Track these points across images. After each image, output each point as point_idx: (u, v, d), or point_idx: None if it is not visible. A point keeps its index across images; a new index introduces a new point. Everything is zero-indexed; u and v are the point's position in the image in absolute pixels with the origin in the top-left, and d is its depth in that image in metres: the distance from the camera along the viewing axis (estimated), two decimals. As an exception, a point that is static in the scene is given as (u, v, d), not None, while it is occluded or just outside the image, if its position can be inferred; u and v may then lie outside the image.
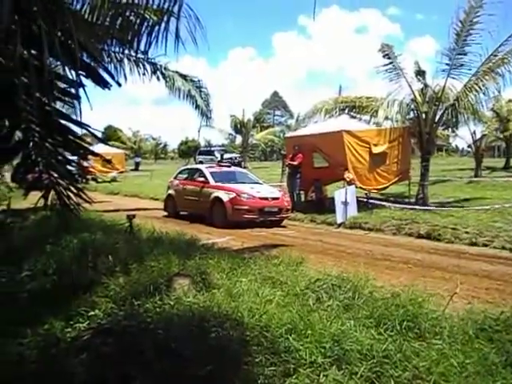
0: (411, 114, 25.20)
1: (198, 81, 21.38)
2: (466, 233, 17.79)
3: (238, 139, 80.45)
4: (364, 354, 6.29)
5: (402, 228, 19.76)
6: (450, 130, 37.21)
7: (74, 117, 9.43)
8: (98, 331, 7.21)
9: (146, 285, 8.68)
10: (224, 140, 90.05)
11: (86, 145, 9.66)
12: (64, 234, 12.56)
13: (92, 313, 7.81)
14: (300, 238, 18.86)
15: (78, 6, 9.06)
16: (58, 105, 9.51)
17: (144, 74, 15.15)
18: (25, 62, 7.10)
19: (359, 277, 9.43)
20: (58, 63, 8.19)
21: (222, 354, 6.26)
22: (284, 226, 22.10)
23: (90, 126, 8.96)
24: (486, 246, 16.56)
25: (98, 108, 8.35)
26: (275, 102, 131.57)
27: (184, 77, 20.30)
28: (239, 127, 74.62)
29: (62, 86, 8.60)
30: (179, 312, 7.69)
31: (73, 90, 8.25)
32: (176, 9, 7.98)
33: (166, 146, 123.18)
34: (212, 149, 72.62)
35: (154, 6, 8.74)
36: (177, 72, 19.63)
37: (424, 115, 24.54)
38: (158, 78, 17.23)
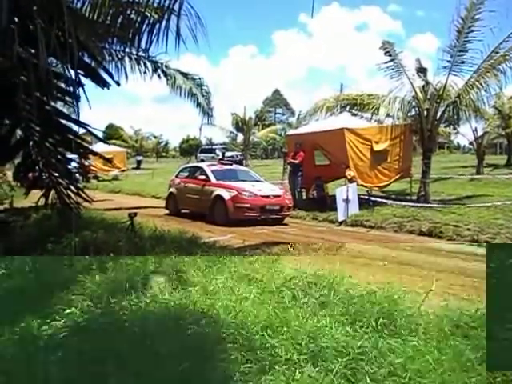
0: (413, 112, 25.26)
1: (199, 79, 21.44)
2: (468, 230, 17.80)
3: (240, 137, 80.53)
4: (339, 351, 6.32)
5: (404, 225, 19.72)
6: (451, 127, 37.03)
7: (73, 116, 9.52)
8: (75, 329, 7.23)
9: (123, 283, 8.71)
10: (225, 138, 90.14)
11: (86, 144, 9.74)
12: (65, 232, 12.59)
13: (68, 311, 7.83)
14: (302, 235, 18.83)
15: (79, 5, 9.11)
16: (58, 104, 9.58)
17: (145, 73, 15.24)
18: (24, 62, 7.16)
19: (334, 274, 9.46)
20: (58, 62, 8.26)
21: (198, 352, 6.28)
22: (286, 224, 22.13)
23: (89, 125, 9.05)
24: (487, 242, 16.44)
25: (99, 107, 8.41)
26: (276, 100, 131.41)
27: (185, 75, 20.33)
28: (240, 125, 74.55)
29: (62, 85, 8.67)
30: (155, 310, 7.72)
31: (72, 90, 8.32)
32: (177, 7, 8.02)
33: (167, 144, 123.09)
34: (213, 147, 72.81)
35: (155, 4, 8.78)
36: (178, 70, 19.65)
37: (425, 112, 24.56)
38: (159, 77, 17.28)
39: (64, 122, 9.58)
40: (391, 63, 24.52)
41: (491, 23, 22.20)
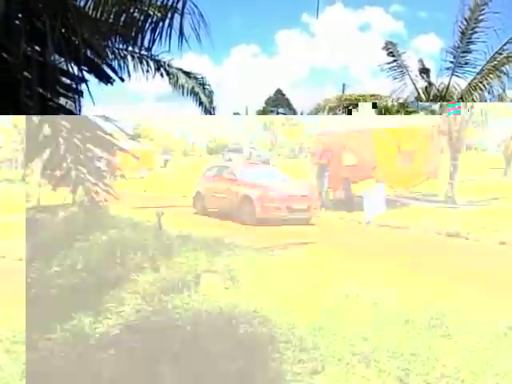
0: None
1: (202, 78, 21.41)
2: (496, 232, 17.62)
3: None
4: (392, 352, 6.29)
5: (431, 226, 19.58)
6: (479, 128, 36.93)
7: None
8: (127, 327, 7.26)
9: (175, 281, 8.73)
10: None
11: (115, 141, 9.74)
12: (93, 230, 12.63)
13: (120, 309, 7.87)
14: (328, 235, 18.74)
15: (82, 3, 9.13)
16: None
17: (148, 71, 15.24)
18: (28, 58, 7.18)
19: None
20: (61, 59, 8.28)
21: (251, 351, 6.29)
22: (312, 224, 21.99)
23: (117, 121, 9.03)
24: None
25: (104, 106, 8.45)
26: (279, 100, 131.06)
27: (187, 74, 20.31)
28: (243, 124, 74.63)
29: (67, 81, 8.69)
30: (207, 308, 7.74)
31: (77, 85, 8.34)
32: (180, 5, 8.03)
33: (193, 143, 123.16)
34: (240, 147, 72.82)
35: (158, 3, 8.80)
36: (180, 69, 19.64)
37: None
38: (161, 75, 17.27)
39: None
40: (394, 64, 24.59)
41: (495, 24, 22.19)
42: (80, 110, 7.95)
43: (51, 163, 10.29)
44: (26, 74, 7.59)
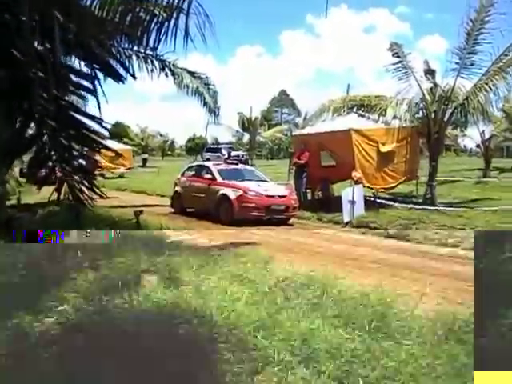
0: (420, 114, 25.21)
1: (206, 78, 21.44)
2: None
3: (246, 137, 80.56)
4: (332, 353, 6.34)
5: (409, 228, 19.54)
6: (458, 129, 37.05)
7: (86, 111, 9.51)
8: (67, 326, 7.22)
9: (115, 281, 8.70)
10: (231, 137, 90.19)
11: (99, 139, 9.72)
12: (71, 229, 12.59)
13: (61, 308, 7.82)
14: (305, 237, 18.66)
15: (88, 2, 9.10)
16: (71, 99, 9.57)
17: (152, 71, 15.24)
18: (40, 56, 7.14)
19: (327, 276, 9.43)
20: (72, 57, 8.26)
21: (191, 351, 6.27)
22: (291, 225, 22.06)
23: (102, 120, 9.01)
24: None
25: (105, 104, 8.43)
26: (283, 100, 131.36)
27: (192, 74, 20.33)
28: (246, 125, 74.57)
29: (76, 79, 8.67)
30: (147, 308, 7.71)
31: (86, 84, 8.32)
32: (185, 5, 7.99)
33: (173, 142, 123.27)
34: (219, 146, 72.80)
35: (164, 3, 8.76)
36: (185, 69, 19.66)
37: (433, 114, 24.49)
38: (166, 75, 17.31)
39: (78, 116, 9.58)
40: (399, 65, 24.61)
41: (501, 25, 22.24)
42: (100, 108, 7.93)
43: (36, 161, 10.28)
44: (39, 72, 7.58)
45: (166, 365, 6.02)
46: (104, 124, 9.17)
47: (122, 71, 9.86)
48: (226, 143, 79.81)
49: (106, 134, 11.40)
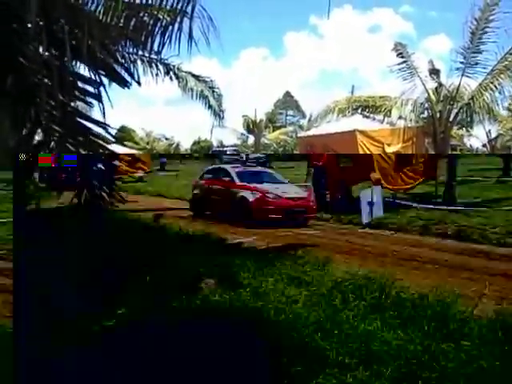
0: (425, 114, 25.19)
1: (211, 81, 21.41)
2: (495, 233, 17.57)
3: (251, 139, 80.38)
4: (391, 355, 6.27)
5: (429, 228, 19.55)
6: (464, 129, 36.87)
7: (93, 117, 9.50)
8: (126, 328, 7.24)
9: (173, 283, 8.71)
10: (236, 140, 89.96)
11: (105, 144, 9.71)
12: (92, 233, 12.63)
13: (119, 311, 7.85)
14: (326, 237, 18.75)
15: (93, 7, 9.10)
16: (76, 105, 9.56)
17: (157, 75, 15.21)
18: (46, 63, 7.14)
19: (385, 277, 9.39)
20: (78, 63, 8.25)
21: (249, 353, 6.26)
22: (309, 226, 21.92)
23: (109, 126, 9.01)
24: (515, 246, 16.30)
25: (110, 108, 8.40)
26: (287, 102, 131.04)
27: (197, 77, 20.31)
28: (251, 127, 74.43)
29: (82, 85, 8.67)
30: (206, 310, 7.71)
31: (95, 90, 8.31)
32: (189, 9, 8.00)
33: (178, 146, 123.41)
34: (224, 149, 72.63)
35: (168, 7, 8.77)
36: (190, 72, 19.64)
37: (438, 114, 24.50)
38: (170, 79, 17.26)
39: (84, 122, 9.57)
40: (404, 65, 24.63)
41: (505, 24, 22.17)
42: (105, 113, 7.93)
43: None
44: (45, 79, 7.58)
45: (225, 367, 6.00)
46: (109, 129, 9.18)
47: (126, 76, 9.87)
48: (231, 146, 79.66)
49: (112, 139, 11.42)
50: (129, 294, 8.70)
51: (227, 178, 23.74)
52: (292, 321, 7.18)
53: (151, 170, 53.45)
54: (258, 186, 22.58)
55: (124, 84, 9.50)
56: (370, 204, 21.29)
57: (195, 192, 25.83)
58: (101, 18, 9.07)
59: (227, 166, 26.38)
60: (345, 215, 23.10)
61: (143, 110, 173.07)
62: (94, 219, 12.83)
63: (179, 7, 8.37)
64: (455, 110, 24.38)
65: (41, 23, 7.55)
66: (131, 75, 10.24)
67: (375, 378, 5.84)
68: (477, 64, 23.57)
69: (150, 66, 14.52)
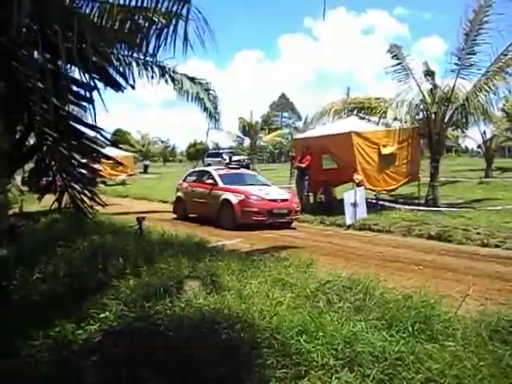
0: (420, 115, 25.25)
1: (206, 83, 21.37)
2: (478, 234, 17.64)
3: (247, 141, 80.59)
4: (376, 356, 6.25)
5: (412, 229, 19.62)
6: (459, 130, 37.06)
7: (85, 120, 9.46)
8: (109, 333, 7.20)
9: (157, 287, 8.68)
10: (232, 142, 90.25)
11: (99, 148, 9.69)
12: (74, 236, 12.58)
13: (103, 315, 7.81)
14: (309, 239, 18.80)
15: (88, 10, 9.07)
16: (70, 108, 9.52)
17: (152, 78, 15.15)
18: (41, 67, 7.11)
19: (370, 278, 9.40)
20: (72, 67, 8.21)
21: (233, 356, 6.23)
22: (293, 228, 22.06)
23: (102, 129, 8.98)
24: (497, 247, 16.39)
25: (105, 111, 8.35)
26: (283, 104, 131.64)
27: (192, 79, 20.28)
28: (247, 129, 74.58)
29: (75, 89, 8.64)
30: (190, 314, 7.69)
31: (85, 93, 8.27)
32: (184, 11, 7.97)
33: (174, 148, 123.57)
34: (220, 151, 72.65)
35: (163, 9, 8.73)
36: (185, 75, 19.61)
37: (433, 116, 24.59)
38: (166, 81, 17.20)
39: (78, 126, 9.51)
40: (399, 66, 24.64)
41: (499, 26, 22.21)
42: (95, 117, 7.88)
43: (37, 171, 10.25)
44: (38, 83, 7.53)
45: (208, 370, 5.97)
46: (104, 133, 9.15)
47: (121, 80, 9.83)
48: (227, 148, 79.77)
49: (107, 142, 11.38)
50: (111, 298, 8.68)
51: (210, 181, 23.73)
52: (276, 323, 7.17)
53: (134, 172, 53.53)
54: (241, 188, 22.59)
55: (118, 87, 9.46)
56: (354, 205, 21.37)
57: (178, 194, 25.86)
58: (95, 20, 9.03)
59: (210, 169, 26.43)
60: (328, 217, 23.09)
61: (139, 112, 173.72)
62: (74, 222, 12.84)
63: (174, 9, 8.34)
64: (450, 111, 24.55)
65: (34, 27, 7.53)
66: (125, 79, 10.20)
67: (360, 379, 5.81)
68: (471, 65, 23.71)
69: (146, 69, 14.48)
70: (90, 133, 9.18)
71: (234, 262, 10.62)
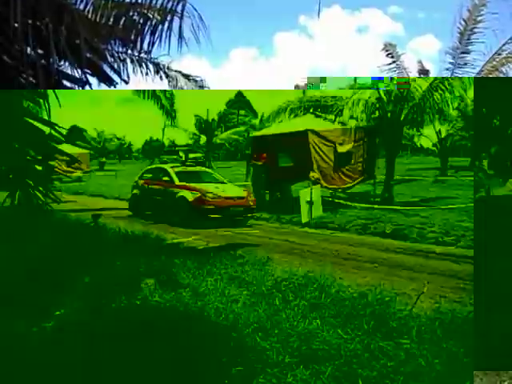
0: (376, 114, 25.26)
1: (201, 80, 21.31)
2: (433, 232, 17.79)
3: (203, 139, 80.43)
4: (331, 354, 6.30)
5: (368, 227, 19.72)
6: (414, 129, 37.42)
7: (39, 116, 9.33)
8: (66, 329, 7.15)
9: (113, 284, 8.63)
10: (188, 140, 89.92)
11: (54, 144, 9.57)
12: (30, 233, 12.45)
13: (58, 312, 7.73)
14: (266, 237, 18.79)
15: (82, 6, 9.00)
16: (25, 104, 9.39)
17: (147, 74, 15.07)
18: (32, 61, 7.02)
19: (325, 276, 9.43)
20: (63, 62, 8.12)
21: (189, 354, 6.21)
22: (249, 226, 22.03)
23: (56, 125, 8.87)
24: (452, 245, 16.48)
25: (58, 108, 8.26)
26: (239, 102, 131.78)
27: (187, 76, 20.20)
28: (203, 127, 74.36)
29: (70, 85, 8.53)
30: (146, 311, 7.65)
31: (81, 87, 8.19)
32: (179, 8, 7.94)
33: (130, 145, 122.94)
34: (176, 149, 72.33)
35: (158, 6, 8.70)
36: (180, 72, 19.53)
37: (389, 114, 24.71)
38: (160, 78, 17.13)
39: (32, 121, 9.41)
40: (393, 65, 24.78)
41: (493, 25, 22.48)
42: (49, 113, 7.81)
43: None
44: (30, 78, 7.43)
45: (164, 368, 5.96)
46: (59, 129, 9.06)
47: (115, 76, 9.76)
48: (184, 145, 79.46)
49: (62, 138, 11.28)
50: (66, 294, 8.60)
51: (166, 178, 23.63)
52: (232, 321, 7.17)
53: (90, 169, 53.16)
54: (197, 185, 22.48)
55: (110, 83, 9.37)
56: (310, 203, 21.39)
57: (134, 192, 25.76)
58: (90, 16, 8.95)
59: (166, 166, 26.29)
60: (284, 215, 23.14)
61: (94, 109, 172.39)
62: (27, 219, 12.70)
63: (169, 6, 8.29)
64: (406, 110, 24.66)
65: (28, 22, 7.44)
66: (118, 74, 10.12)
67: (315, 377, 5.84)
68: (465, 64, 24.06)
69: (140, 65, 14.38)
70: (45, 129, 9.06)
71: (189, 260, 10.61)
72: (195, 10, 8.09)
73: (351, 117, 24.05)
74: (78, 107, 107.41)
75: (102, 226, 15.34)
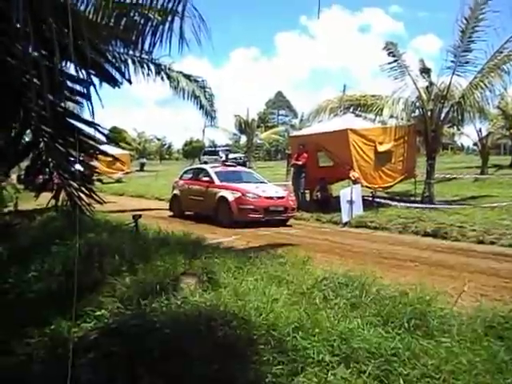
0: (416, 112, 25.26)
1: (202, 81, 21.33)
2: (473, 231, 17.65)
3: (243, 139, 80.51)
4: (372, 353, 6.26)
5: (408, 226, 19.66)
6: (455, 127, 37.04)
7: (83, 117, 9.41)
8: (105, 331, 7.20)
9: (153, 284, 8.67)
10: (228, 140, 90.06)
11: (97, 145, 9.65)
12: (70, 234, 12.55)
13: (99, 313, 7.81)
14: (306, 236, 18.81)
15: (82, 7, 9.04)
16: (67, 105, 9.47)
17: (148, 75, 15.10)
18: (36, 63, 7.08)
19: (366, 275, 9.40)
20: (68, 63, 8.18)
21: (230, 353, 6.24)
22: (290, 225, 22.05)
23: (99, 126, 8.94)
24: (493, 243, 16.41)
25: (102, 109, 8.33)
26: (279, 102, 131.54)
27: (188, 77, 20.24)
28: (243, 127, 74.39)
29: (71, 85, 8.60)
30: (186, 311, 7.68)
31: (82, 89, 8.24)
32: (180, 8, 7.95)
33: (170, 146, 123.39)
34: (217, 149, 72.38)
35: (159, 6, 8.71)
36: (181, 72, 19.58)
37: (429, 113, 24.59)
38: (162, 79, 17.16)
39: (74, 122, 9.48)
40: (395, 64, 24.54)
41: (495, 23, 22.17)
42: (93, 113, 7.88)
43: (33, 169, 10.19)
44: (34, 79, 7.50)
45: (205, 368, 5.98)
46: (101, 129, 9.12)
47: (118, 76, 9.77)
48: (224, 146, 79.51)
49: (104, 139, 11.34)
50: (106, 294, 8.68)
51: (207, 178, 23.73)
52: (272, 320, 7.17)
53: (130, 170, 53.49)
54: (238, 185, 22.58)
55: (115, 83, 9.43)
56: (350, 203, 21.36)
57: (175, 192, 25.84)
58: (91, 17, 9.00)
59: (206, 166, 26.44)
60: (324, 214, 23.11)
61: (135, 110, 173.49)
62: (70, 220, 12.81)
63: (170, 6, 8.31)
64: (446, 109, 24.49)
65: (30, 22, 7.50)
66: (122, 74, 10.16)
67: (356, 375, 5.83)
68: (467, 63, 23.65)
69: (141, 66, 14.42)
70: (87, 129, 9.14)
71: (230, 260, 10.61)
72: (196, 10, 8.09)
73: (391, 116, 23.97)
74: (119, 108, 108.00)
75: (143, 227, 15.40)
